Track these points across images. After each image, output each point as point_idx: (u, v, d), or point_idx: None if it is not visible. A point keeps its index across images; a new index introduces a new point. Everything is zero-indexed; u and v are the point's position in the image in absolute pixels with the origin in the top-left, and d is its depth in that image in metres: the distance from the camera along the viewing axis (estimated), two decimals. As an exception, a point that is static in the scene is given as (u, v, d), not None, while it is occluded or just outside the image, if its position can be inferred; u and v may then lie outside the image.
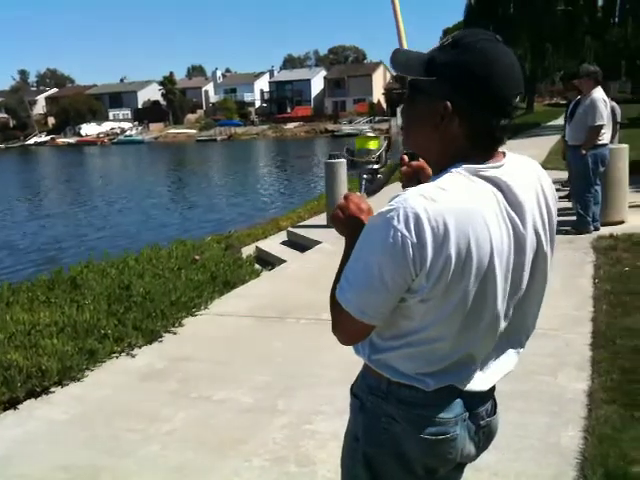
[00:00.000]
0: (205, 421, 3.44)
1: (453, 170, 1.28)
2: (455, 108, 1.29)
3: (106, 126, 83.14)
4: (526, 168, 1.39)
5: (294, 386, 3.70)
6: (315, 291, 5.03)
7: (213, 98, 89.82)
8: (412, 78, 1.40)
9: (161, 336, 4.75)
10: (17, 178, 40.68)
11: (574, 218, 7.36)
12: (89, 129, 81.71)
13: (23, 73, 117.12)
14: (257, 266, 7.40)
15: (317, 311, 4.75)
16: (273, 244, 8.66)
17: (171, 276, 6.11)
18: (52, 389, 3.90)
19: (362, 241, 1.31)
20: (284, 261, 7.41)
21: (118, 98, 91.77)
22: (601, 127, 7.00)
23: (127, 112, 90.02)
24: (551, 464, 2.75)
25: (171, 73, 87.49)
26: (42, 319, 4.60)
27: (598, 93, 7.07)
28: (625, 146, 7.78)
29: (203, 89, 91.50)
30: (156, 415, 3.53)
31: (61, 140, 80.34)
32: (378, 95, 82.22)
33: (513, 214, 1.30)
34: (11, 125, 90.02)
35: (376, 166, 1.65)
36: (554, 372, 3.69)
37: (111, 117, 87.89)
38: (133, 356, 4.44)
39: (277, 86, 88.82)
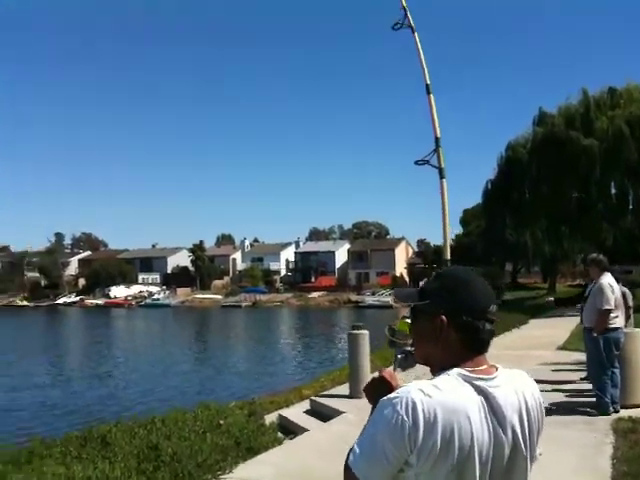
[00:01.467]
0: None
1: (449, 373, 1.66)
2: (449, 320, 1.69)
3: (135, 289, 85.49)
4: (513, 383, 1.72)
5: None
6: (338, 464, 5.18)
7: (240, 266, 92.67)
8: (414, 304, 1.83)
9: (187, 498, 4.90)
10: (45, 337, 41.36)
11: (594, 400, 7.52)
12: (118, 291, 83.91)
13: (58, 235, 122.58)
14: (279, 434, 7.55)
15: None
16: (296, 412, 8.81)
17: (197, 439, 6.30)
18: None
19: (373, 418, 1.67)
20: (306, 430, 7.55)
21: (149, 262, 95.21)
22: (609, 311, 7.34)
23: (156, 276, 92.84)
24: None
25: (201, 241, 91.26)
26: (77, 473, 4.80)
27: (605, 279, 7.51)
28: (639, 330, 8.08)
29: (231, 257, 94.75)
30: None
31: (89, 301, 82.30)
32: (400, 268, 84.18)
33: (494, 419, 1.64)
34: (43, 284, 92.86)
35: (410, 348, 2.01)
36: None
37: (140, 280, 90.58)
38: (160, 516, 4.57)
39: (302, 256, 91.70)
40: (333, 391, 9.69)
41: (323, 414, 8.36)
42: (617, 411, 7.36)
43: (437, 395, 1.58)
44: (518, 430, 1.66)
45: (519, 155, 37.19)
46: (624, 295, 8.77)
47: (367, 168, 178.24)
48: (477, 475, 1.61)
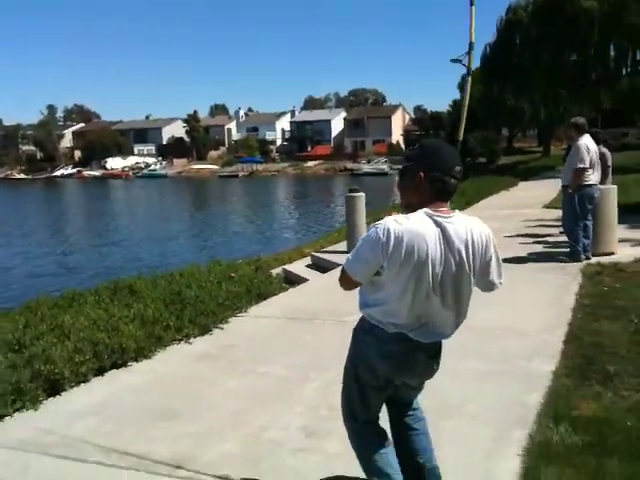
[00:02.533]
0: (252, 385, 4.43)
1: (419, 211, 2.39)
2: (425, 175, 2.39)
3: (131, 160, 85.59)
4: (464, 225, 2.41)
5: (323, 364, 4.64)
6: (337, 301, 6.00)
7: (235, 136, 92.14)
8: (403, 166, 2.53)
9: (211, 330, 5.77)
10: (48, 208, 42.21)
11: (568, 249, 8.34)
12: (114, 163, 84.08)
13: (51, 108, 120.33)
14: (284, 284, 8.41)
15: (339, 315, 5.72)
16: (298, 267, 9.67)
17: (213, 287, 7.10)
18: (130, 363, 4.91)
19: (362, 237, 2.46)
20: (307, 279, 8.43)
21: (143, 134, 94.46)
22: (584, 169, 7.95)
23: (152, 147, 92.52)
24: (517, 413, 3.68)
25: (195, 111, 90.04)
26: (115, 313, 5.61)
27: (583, 140, 8.06)
28: (614, 187, 8.75)
29: (226, 127, 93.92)
30: (214, 381, 4.53)
31: (87, 173, 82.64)
32: (397, 136, 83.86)
33: (445, 243, 2.36)
34: (39, 157, 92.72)
35: None
36: (530, 359, 4.63)
37: (136, 152, 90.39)
38: (190, 343, 5.45)
39: (298, 126, 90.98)
40: (332, 248, 10.52)
41: (322, 267, 9.22)
42: (589, 258, 8.17)
43: (406, 223, 2.34)
44: (463, 254, 2.39)
45: (519, 18, 36.24)
46: (603, 155, 9.36)
47: (364, 34, 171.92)
48: (430, 279, 2.36)
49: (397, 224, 2.32)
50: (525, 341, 5.09)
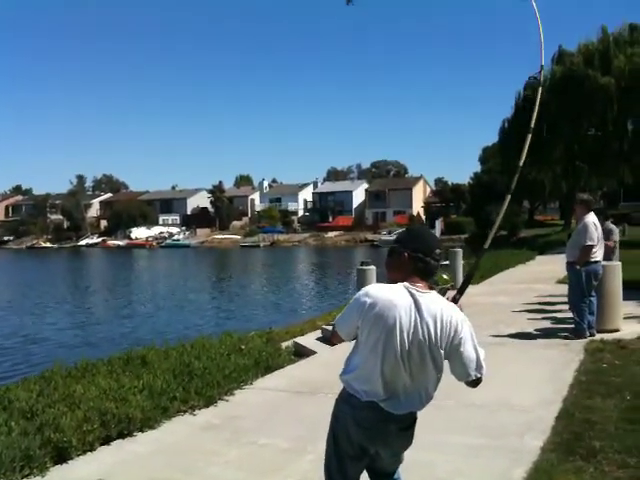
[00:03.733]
0: (252, 456, 4.60)
1: (399, 284, 2.69)
2: (409, 256, 2.71)
3: (155, 230, 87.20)
4: (437, 303, 2.68)
5: (320, 437, 4.78)
6: (336, 373, 6.18)
7: (259, 206, 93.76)
8: (390, 246, 2.85)
9: (216, 402, 5.97)
10: (72, 278, 43.02)
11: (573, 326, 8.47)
12: (139, 232, 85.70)
13: (80, 178, 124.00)
14: (293, 357, 8.59)
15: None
16: (309, 339, 9.86)
17: (222, 359, 7.33)
18: (135, 433, 5.11)
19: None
20: (316, 352, 8.61)
21: (169, 204, 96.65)
22: (592, 247, 8.18)
23: (176, 217, 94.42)
24: (502, 488, 3.82)
25: (220, 182, 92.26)
26: (126, 383, 5.85)
27: (589, 218, 8.32)
28: (618, 263, 8.93)
29: (249, 198, 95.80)
30: (216, 452, 4.71)
31: (111, 242, 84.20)
32: (418, 208, 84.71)
33: (417, 314, 2.63)
34: (65, 226, 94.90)
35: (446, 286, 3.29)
36: (522, 434, 4.75)
37: (161, 222, 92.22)
38: (195, 414, 5.65)
39: (320, 197, 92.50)
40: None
41: (333, 340, 9.40)
42: (592, 335, 8.28)
43: (384, 290, 2.67)
44: (431, 328, 2.63)
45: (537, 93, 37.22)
46: (611, 231, 9.58)
47: (387, 108, 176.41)
48: (398, 346, 2.61)
49: (376, 289, 2.67)
50: (519, 416, 5.21)
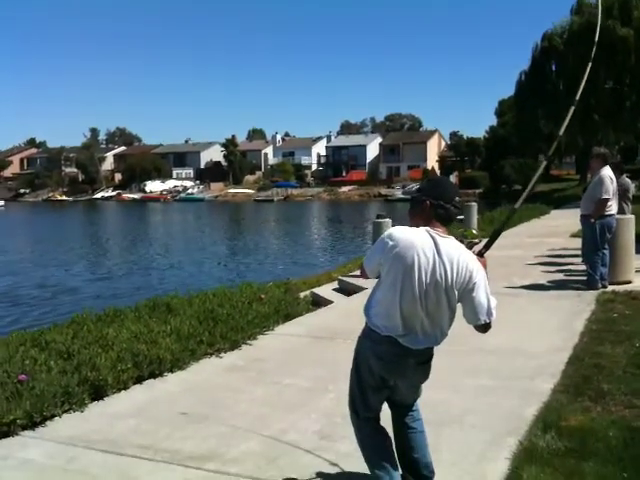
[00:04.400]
0: (276, 394, 4.89)
1: (421, 228, 2.88)
2: (431, 204, 2.90)
3: (169, 184, 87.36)
4: (456, 248, 2.87)
5: (341, 377, 5.02)
6: (357, 322, 6.42)
7: (272, 160, 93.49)
8: (413, 196, 3.04)
9: (240, 346, 6.26)
10: (91, 230, 43.56)
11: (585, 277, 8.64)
12: (153, 186, 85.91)
13: (94, 131, 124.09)
14: (311, 306, 8.86)
15: (358, 334, 6.14)
16: (326, 290, 10.13)
17: (244, 307, 7.60)
18: (165, 373, 5.41)
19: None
20: (333, 302, 8.88)
21: (182, 158, 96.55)
22: (607, 200, 8.29)
23: (190, 171, 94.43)
24: (513, 424, 4.06)
25: (233, 136, 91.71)
26: (154, 328, 6.13)
27: (605, 171, 8.40)
28: (632, 217, 9.03)
29: (263, 152, 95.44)
30: (242, 390, 5.00)
31: (126, 195, 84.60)
32: (432, 162, 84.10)
33: (436, 254, 2.81)
34: (80, 179, 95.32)
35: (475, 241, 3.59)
36: (532, 377, 4.99)
37: (174, 175, 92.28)
38: (221, 357, 5.95)
39: (334, 151, 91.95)
40: (357, 273, 10.94)
41: (348, 290, 9.66)
42: (605, 287, 8.45)
43: (407, 232, 2.86)
44: (448, 269, 2.82)
45: (555, 45, 36.56)
46: (625, 185, 9.67)
47: (401, 59, 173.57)
48: (416, 284, 2.82)
49: (400, 231, 2.86)
50: (531, 361, 5.44)
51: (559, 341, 6.01)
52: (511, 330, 6.33)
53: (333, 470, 3.56)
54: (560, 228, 17.25)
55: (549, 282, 9.20)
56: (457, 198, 2.96)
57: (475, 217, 16.67)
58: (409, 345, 2.89)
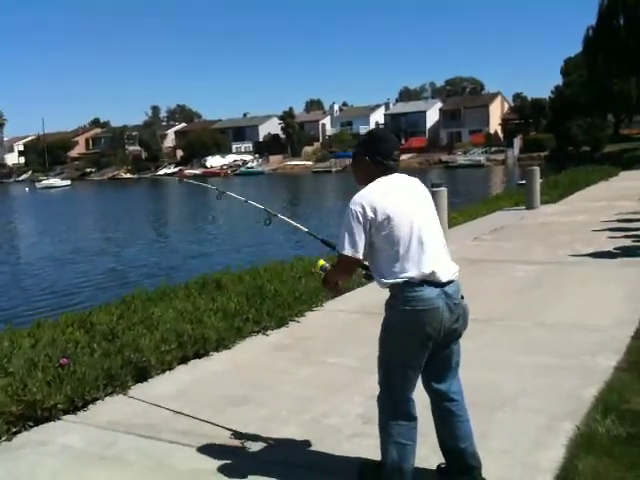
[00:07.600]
0: (321, 375, 4.73)
1: (370, 184, 2.83)
2: (370, 159, 2.89)
3: (229, 158, 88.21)
4: (407, 179, 2.94)
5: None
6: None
7: (330, 131, 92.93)
8: (354, 150, 3.05)
9: (287, 323, 6.13)
10: (149, 206, 44.50)
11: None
12: (214, 161, 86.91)
13: (155, 109, 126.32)
14: (364, 280, 8.65)
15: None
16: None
17: (294, 282, 7.46)
18: (211, 352, 5.33)
19: (341, 222, 2.84)
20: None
21: (241, 132, 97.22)
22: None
23: (249, 145, 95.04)
24: (571, 406, 3.78)
25: (290, 108, 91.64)
26: (200, 306, 6.07)
27: None
28: None
29: (320, 122, 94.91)
30: (286, 370, 4.86)
31: (188, 171, 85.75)
32: (495, 126, 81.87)
33: (397, 190, 2.83)
34: (143, 157, 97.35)
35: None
36: (594, 354, 4.66)
37: (234, 150, 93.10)
38: (267, 335, 5.83)
39: (392, 118, 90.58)
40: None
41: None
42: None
43: (371, 190, 2.83)
44: (412, 195, 2.87)
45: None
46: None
47: (460, 20, 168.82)
48: (408, 215, 2.80)
49: (361, 196, 2.81)
50: (592, 336, 5.10)
51: (624, 313, 5.62)
52: (571, 302, 5.98)
53: (375, 455, 3.38)
54: (630, 190, 16.42)
55: (616, 249, 8.70)
56: (396, 152, 2.94)
57: (538, 182, 15.99)
58: (439, 279, 2.77)
